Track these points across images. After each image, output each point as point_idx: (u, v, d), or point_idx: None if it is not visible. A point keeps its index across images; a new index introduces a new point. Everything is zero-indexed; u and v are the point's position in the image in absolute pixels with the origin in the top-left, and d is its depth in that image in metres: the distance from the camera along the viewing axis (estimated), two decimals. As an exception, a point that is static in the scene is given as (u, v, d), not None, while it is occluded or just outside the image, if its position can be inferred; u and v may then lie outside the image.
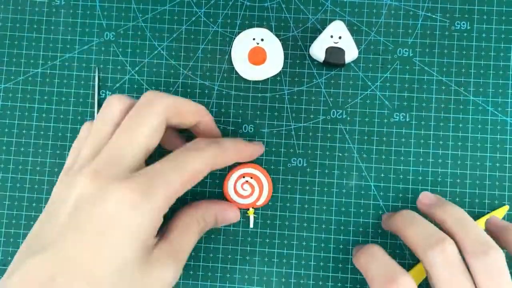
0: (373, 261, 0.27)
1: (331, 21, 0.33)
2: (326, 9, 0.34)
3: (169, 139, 0.31)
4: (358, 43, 0.33)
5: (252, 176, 0.32)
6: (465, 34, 0.33)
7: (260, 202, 0.32)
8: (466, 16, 0.33)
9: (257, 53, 0.33)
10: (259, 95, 0.33)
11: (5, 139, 0.34)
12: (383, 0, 0.33)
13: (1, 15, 0.34)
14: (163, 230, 0.27)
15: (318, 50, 0.32)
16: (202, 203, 0.30)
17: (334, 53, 0.31)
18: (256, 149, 0.31)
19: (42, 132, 0.34)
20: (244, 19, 0.34)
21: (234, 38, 0.33)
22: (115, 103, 0.27)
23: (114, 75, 0.34)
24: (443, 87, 0.33)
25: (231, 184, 0.32)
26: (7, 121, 0.34)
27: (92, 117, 0.34)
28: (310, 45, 0.32)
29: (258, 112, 0.33)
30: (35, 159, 0.33)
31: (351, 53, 0.32)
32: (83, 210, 0.24)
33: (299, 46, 0.33)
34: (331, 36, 0.31)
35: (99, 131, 0.27)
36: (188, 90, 0.34)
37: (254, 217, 0.32)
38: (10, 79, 0.34)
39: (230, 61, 0.33)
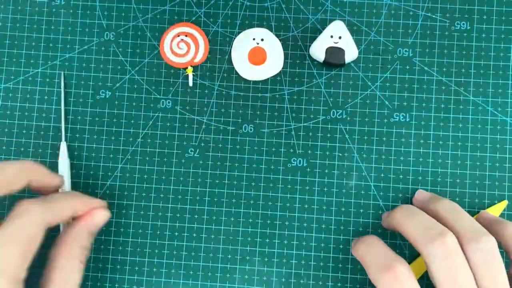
0: (371, 249, 0.28)
1: (331, 21, 0.33)
2: (326, 9, 0.34)
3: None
4: (358, 43, 0.33)
5: (187, 34, 0.31)
6: (465, 34, 0.33)
7: (197, 60, 0.31)
8: (466, 16, 0.33)
9: (257, 53, 0.33)
10: (259, 95, 0.33)
11: (5, 139, 0.34)
12: (383, 0, 0.33)
13: (1, 15, 0.34)
14: (42, 282, 0.27)
15: (318, 50, 0.31)
16: (67, 234, 0.28)
17: (334, 53, 0.31)
18: (94, 202, 0.29)
19: (42, 132, 0.34)
20: (244, 19, 0.34)
21: (234, 38, 0.33)
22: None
23: (114, 75, 0.34)
24: (443, 87, 0.33)
25: (167, 44, 0.31)
26: (7, 121, 0.34)
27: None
28: (310, 45, 0.32)
29: (258, 112, 0.33)
30: (35, 159, 0.33)
31: (351, 53, 0.32)
32: None
33: (299, 46, 0.33)
34: (331, 36, 0.31)
35: None
36: (188, 90, 0.34)
37: (193, 75, 0.32)
38: (10, 79, 0.34)
39: (230, 61, 0.33)
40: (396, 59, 0.33)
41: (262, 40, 0.33)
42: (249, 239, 0.33)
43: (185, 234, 0.33)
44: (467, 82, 0.33)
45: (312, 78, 0.33)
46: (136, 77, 0.34)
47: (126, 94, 0.34)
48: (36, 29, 0.34)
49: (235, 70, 0.33)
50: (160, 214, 0.33)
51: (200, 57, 0.32)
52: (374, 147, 0.33)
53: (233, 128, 0.33)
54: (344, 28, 0.31)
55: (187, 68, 0.33)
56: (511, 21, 0.33)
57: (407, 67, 0.33)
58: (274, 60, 0.33)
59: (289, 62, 0.33)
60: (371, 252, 0.28)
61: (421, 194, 0.32)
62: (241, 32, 0.33)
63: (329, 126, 0.33)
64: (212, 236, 0.33)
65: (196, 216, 0.33)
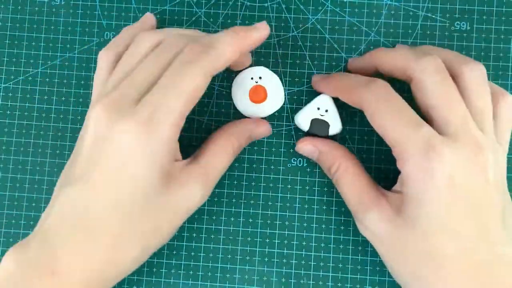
0: (352, 76, 0.30)
1: (331, 21, 0.33)
2: (326, 9, 0.34)
3: None
4: (358, 43, 0.33)
5: None
6: (464, 34, 0.33)
7: None
8: (466, 16, 0.33)
9: (257, 92, 0.32)
10: (259, 95, 0.33)
11: (5, 139, 0.34)
12: (383, 1, 0.33)
13: (1, 14, 0.34)
14: (196, 153, 0.29)
15: (303, 121, 0.31)
16: (234, 125, 0.31)
17: (319, 125, 0.31)
18: (257, 33, 0.28)
19: (42, 132, 0.34)
20: (244, 19, 0.34)
21: (233, 80, 0.33)
22: (144, 40, 0.28)
23: (114, 75, 0.34)
24: (443, 87, 0.33)
25: None
26: (7, 120, 0.34)
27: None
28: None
29: (258, 112, 0.33)
30: (35, 159, 0.33)
31: (335, 127, 0.31)
32: (98, 146, 0.25)
33: (299, 46, 0.33)
34: (318, 108, 0.31)
35: (126, 67, 0.27)
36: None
37: None
38: (10, 79, 0.34)
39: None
40: (396, 59, 0.33)
41: (260, 78, 0.33)
42: (249, 239, 0.33)
43: (185, 234, 0.33)
44: (467, 82, 0.33)
45: (311, 77, 0.33)
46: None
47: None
48: (36, 29, 0.34)
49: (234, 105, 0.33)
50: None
51: None
52: (374, 147, 0.33)
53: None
54: (331, 102, 0.31)
55: None
56: (511, 21, 0.33)
57: (407, 67, 0.33)
58: (275, 97, 0.32)
59: (289, 62, 0.33)
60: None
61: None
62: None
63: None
64: (212, 236, 0.33)
65: (196, 216, 0.33)
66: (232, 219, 0.33)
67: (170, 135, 0.25)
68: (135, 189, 0.25)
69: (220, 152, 0.29)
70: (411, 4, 0.33)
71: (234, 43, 0.27)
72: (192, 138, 0.33)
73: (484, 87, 0.27)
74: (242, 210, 0.33)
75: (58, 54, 0.34)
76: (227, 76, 0.34)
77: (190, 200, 0.27)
